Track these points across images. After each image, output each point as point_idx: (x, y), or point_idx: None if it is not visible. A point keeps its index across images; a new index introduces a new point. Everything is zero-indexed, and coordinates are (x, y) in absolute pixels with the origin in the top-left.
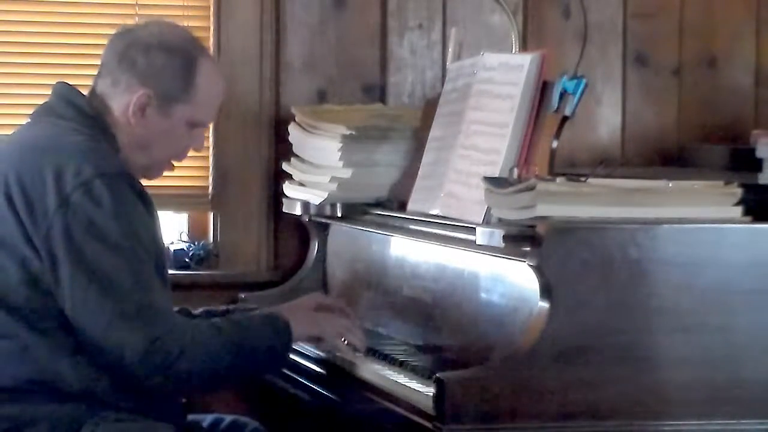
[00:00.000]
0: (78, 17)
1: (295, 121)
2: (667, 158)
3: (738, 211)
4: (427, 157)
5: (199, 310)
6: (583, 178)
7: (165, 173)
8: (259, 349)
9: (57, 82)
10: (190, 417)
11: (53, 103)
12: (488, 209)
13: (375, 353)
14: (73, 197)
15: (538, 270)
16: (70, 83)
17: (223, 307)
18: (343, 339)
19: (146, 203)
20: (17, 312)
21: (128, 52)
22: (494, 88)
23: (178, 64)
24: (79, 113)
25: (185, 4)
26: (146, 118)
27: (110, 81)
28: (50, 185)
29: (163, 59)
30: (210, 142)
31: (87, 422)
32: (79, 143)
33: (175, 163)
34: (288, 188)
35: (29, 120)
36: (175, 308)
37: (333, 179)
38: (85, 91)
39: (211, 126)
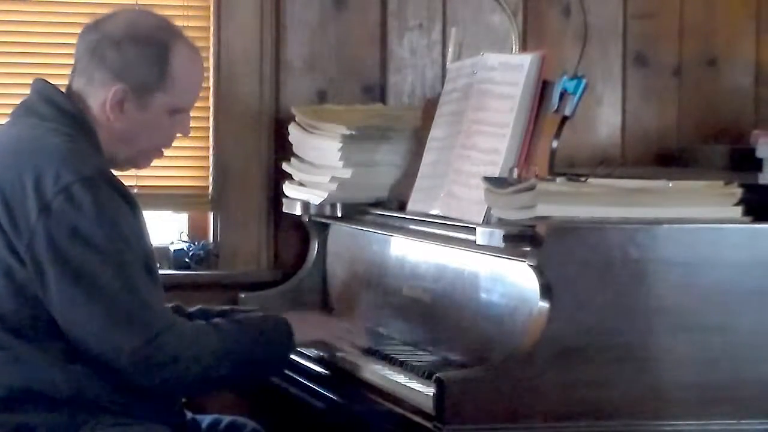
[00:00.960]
0: (77, 17)
1: (295, 121)
2: (667, 158)
3: (738, 211)
4: (427, 157)
5: (194, 308)
6: (583, 178)
7: (167, 170)
8: (260, 350)
9: (36, 79)
10: (189, 417)
11: (33, 101)
12: (488, 209)
13: (375, 353)
14: (54, 204)
15: (538, 270)
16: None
17: (218, 308)
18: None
19: (130, 203)
20: (6, 322)
21: (98, 48)
22: (494, 88)
23: (150, 53)
24: (58, 112)
25: (185, 4)
26: (125, 112)
27: (85, 79)
28: (30, 192)
29: (134, 51)
30: (210, 142)
31: (83, 427)
32: (58, 145)
33: (175, 164)
34: (288, 188)
35: (9, 119)
36: (169, 305)
37: (333, 179)
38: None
39: (211, 126)
